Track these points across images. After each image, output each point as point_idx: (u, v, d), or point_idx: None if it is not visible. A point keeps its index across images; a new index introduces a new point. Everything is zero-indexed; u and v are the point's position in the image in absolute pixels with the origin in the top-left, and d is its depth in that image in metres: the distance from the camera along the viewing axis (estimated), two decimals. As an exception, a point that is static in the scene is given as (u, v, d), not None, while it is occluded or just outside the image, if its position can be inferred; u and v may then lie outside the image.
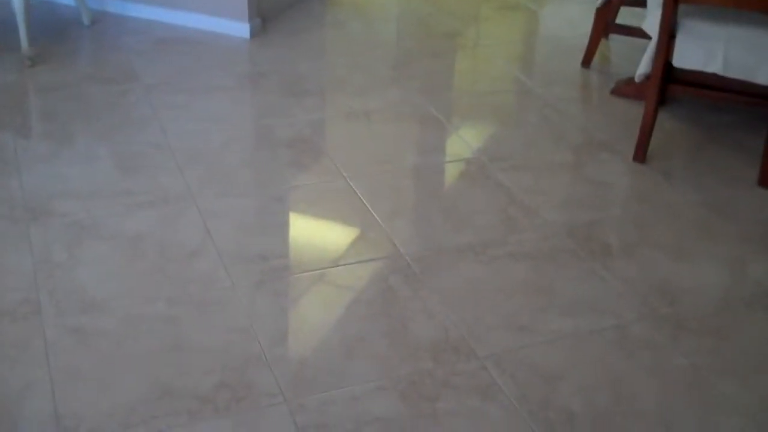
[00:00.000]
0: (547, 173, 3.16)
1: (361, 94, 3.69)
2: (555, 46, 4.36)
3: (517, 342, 2.32)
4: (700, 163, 3.28)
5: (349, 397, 2.11)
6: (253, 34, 4.18)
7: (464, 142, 3.37)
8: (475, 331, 2.35)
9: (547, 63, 4.19)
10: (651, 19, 3.24)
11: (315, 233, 2.80)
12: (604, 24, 4.02)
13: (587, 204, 2.98)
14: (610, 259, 2.69)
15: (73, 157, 3.09)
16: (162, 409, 2.04)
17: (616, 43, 4.32)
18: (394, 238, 2.73)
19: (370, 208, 2.88)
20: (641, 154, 3.24)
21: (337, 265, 2.60)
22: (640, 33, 3.69)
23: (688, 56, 3.06)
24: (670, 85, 3.24)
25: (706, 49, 3.02)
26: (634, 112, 3.56)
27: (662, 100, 3.33)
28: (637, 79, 3.25)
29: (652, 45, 3.15)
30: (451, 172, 3.18)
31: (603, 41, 4.23)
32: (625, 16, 4.17)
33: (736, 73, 3.02)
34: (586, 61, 4.08)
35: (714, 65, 3.03)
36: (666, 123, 3.54)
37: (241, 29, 4.15)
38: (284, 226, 2.83)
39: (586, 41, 4.06)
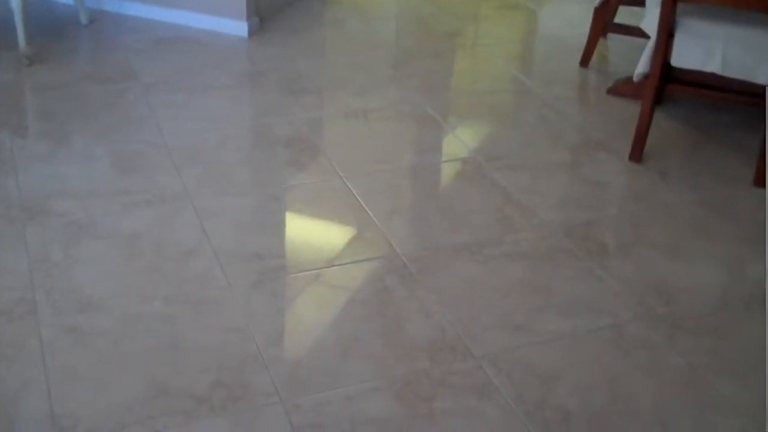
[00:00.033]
0: (544, 173, 3.15)
1: (360, 93, 3.69)
2: (554, 45, 4.36)
3: (513, 342, 2.32)
4: (697, 163, 3.27)
5: (344, 397, 2.11)
6: (252, 32, 4.18)
7: (461, 141, 3.37)
8: (471, 331, 2.35)
9: (546, 62, 4.19)
10: (649, 19, 3.24)
11: (311, 233, 2.80)
12: (603, 23, 4.02)
13: (584, 203, 2.98)
14: (606, 258, 2.69)
15: (70, 157, 3.09)
16: (158, 409, 2.04)
17: (614, 42, 4.32)
18: (391, 238, 2.73)
19: (366, 208, 2.88)
20: (638, 153, 3.24)
21: (333, 265, 2.60)
22: (638, 32, 3.68)
23: (686, 56, 3.06)
24: (668, 84, 3.23)
25: (705, 48, 3.02)
26: (631, 111, 3.55)
27: (659, 99, 3.33)
28: (635, 79, 3.24)
29: (650, 44, 3.15)
30: (448, 171, 3.17)
31: (601, 40, 4.22)
32: (624, 15, 4.17)
33: (734, 72, 3.02)
34: (585, 61, 4.07)
35: (712, 65, 3.03)
36: (663, 122, 3.53)
37: (239, 28, 4.15)
38: (281, 225, 2.83)
39: (584, 41, 4.06)
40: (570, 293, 2.53)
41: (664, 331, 2.39)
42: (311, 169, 3.10)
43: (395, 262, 2.61)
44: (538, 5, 4.89)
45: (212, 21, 4.18)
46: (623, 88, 3.77)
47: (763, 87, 3.03)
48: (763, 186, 3.09)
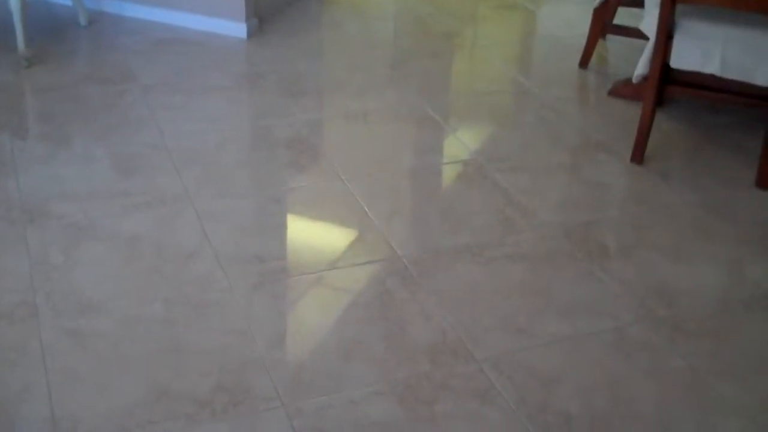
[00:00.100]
0: (544, 174, 3.15)
1: (359, 94, 3.69)
2: (552, 46, 4.36)
3: (514, 344, 2.32)
4: (698, 164, 3.28)
5: (346, 401, 2.10)
6: (250, 34, 4.18)
7: (461, 143, 3.36)
8: (472, 334, 2.35)
9: (545, 63, 4.19)
10: (648, 20, 3.24)
11: (312, 235, 2.79)
12: (602, 24, 4.02)
13: (584, 205, 2.98)
14: (607, 260, 2.69)
15: (70, 158, 3.09)
16: (159, 413, 2.04)
17: (613, 43, 4.32)
18: (391, 240, 2.73)
19: (367, 210, 2.87)
20: (639, 155, 3.24)
21: (335, 268, 2.59)
22: (637, 33, 3.68)
23: (685, 57, 3.06)
24: (667, 86, 3.23)
25: (704, 49, 3.02)
26: (631, 113, 3.56)
27: (660, 101, 3.33)
28: (634, 80, 3.24)
29: (649, 46, 3.15)
30: (448, 173, 3.17)
31: (600, 42, 4.22)
32: (623, 16, 4.16)
33: (733, 74, 3.02)
34: (584, 62, 4.07)
35: (711, 66, 3.03)
36: (663, 124, 3.54)
37: (238, 29, 4.15)
38: (282, 227, 2.83)
39: (583, 42, 4.06)
40: (571, 295, 2.52)
41: (666, 333, 2.39)
42: (312, 171, 3.10)
43: (396, 265, 2.61)
44: (536, 6, 4.89)
45: (211, 22, 4.17)
46: (623, 90, 3.77)
47: (763, 88, 3.03)
48: (767, 188, 3.10)
